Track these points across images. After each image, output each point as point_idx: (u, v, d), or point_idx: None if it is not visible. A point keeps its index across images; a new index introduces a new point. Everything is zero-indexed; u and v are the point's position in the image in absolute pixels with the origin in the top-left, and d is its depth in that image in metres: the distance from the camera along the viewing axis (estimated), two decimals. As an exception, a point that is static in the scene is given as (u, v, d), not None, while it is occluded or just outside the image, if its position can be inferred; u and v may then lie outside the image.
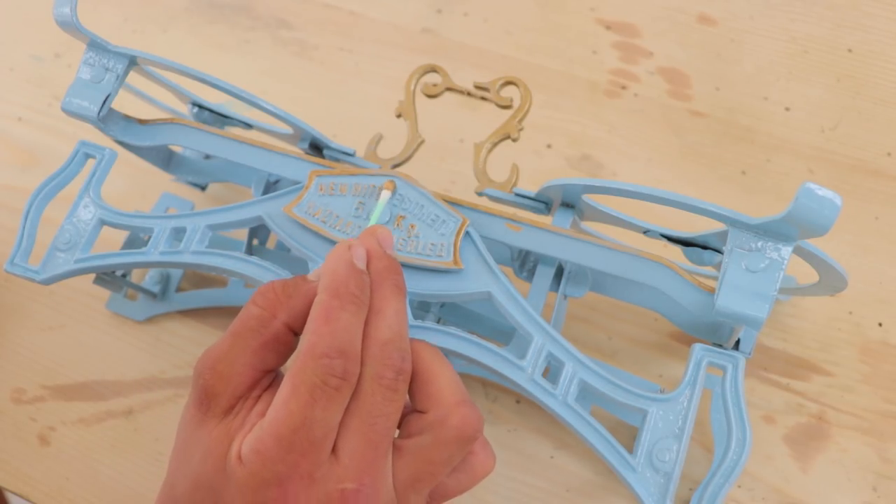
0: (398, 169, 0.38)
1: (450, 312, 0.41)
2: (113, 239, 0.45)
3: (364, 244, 0.30)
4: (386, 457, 0.28)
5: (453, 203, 0.35)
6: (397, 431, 0.29)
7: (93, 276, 0.43)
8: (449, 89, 0.39)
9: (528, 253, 0.39)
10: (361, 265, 0.29)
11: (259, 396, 0.29)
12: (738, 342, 0.34)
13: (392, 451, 0.28)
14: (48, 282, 0.36)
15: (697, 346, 0.32)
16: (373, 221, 0.33)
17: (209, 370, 0.29)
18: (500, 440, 0.41)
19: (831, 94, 0.48)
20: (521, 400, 0.42)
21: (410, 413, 0.30)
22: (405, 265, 0.33)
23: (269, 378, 0.30)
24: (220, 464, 0.27)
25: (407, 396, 0.29)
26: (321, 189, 0.35)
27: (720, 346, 0.35)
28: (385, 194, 0.34)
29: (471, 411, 0.29)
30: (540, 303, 0.36)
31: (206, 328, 0.46)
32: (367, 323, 0.29)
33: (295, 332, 0.30)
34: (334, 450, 0.27)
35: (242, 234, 0.45)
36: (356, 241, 0.30)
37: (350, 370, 0.27)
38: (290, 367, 0.28)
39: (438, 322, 0.39)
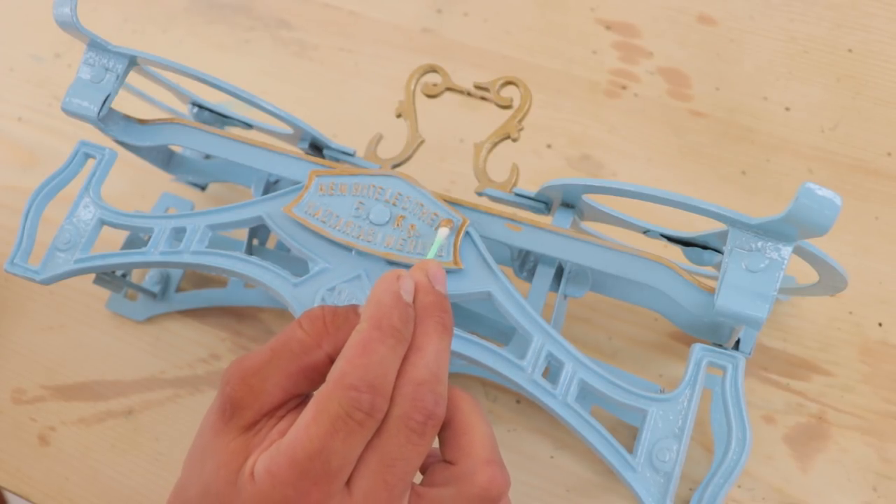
0: (398, 169, 0.38)
1: (450, 312, 0.41)
2: (113, 239, 0.45)
3: (413, 277, 0.29)
4: (400, 501, 0.27)
5: (453, 203, 0.35)
6: (421, 477, 0.28)
7: (93, 276, 0.43)
8: (449, 89, 0.39)
9: (528, 253, 0.39)
10: (408, 298, 0.28)
11: (283, 416, 0.28)
12: (738, 342, 0.34)
13: (411, 497, 0.27)
14: (48, 282, 0.36)
15: (697, 346, 0.32)
16: (428, 257, 0.32)
17: (239, 380, 0.28)
18: (500, 440, 0.41)
19: (831, 94, 0.48)
20: (521, 400, 0.42)
21: (438, 462, 0.29)
22: (404, 265, 0.33)
23: (298, 400, 0.29)
24: (233, 477, 0.27)
25: (437, 444, 0.28)
26: (321, 189, 0.35)
27: (720, 346, 0.35)
28: (443, 231, 0.33)
29: (500, 472, 0.28)
30: (540, 303, 0.36)
31: (206, 328, 0.46)
32: (405, 359, 0.28)
33: None
34: (349, 484, 0.26)
35: (242, 234, 0.45)
36: (405, 273, 0.29)
37: (377, 406, 0.26)
38: (318, 391, 0.27)
39: (438, 322, 0.39)
